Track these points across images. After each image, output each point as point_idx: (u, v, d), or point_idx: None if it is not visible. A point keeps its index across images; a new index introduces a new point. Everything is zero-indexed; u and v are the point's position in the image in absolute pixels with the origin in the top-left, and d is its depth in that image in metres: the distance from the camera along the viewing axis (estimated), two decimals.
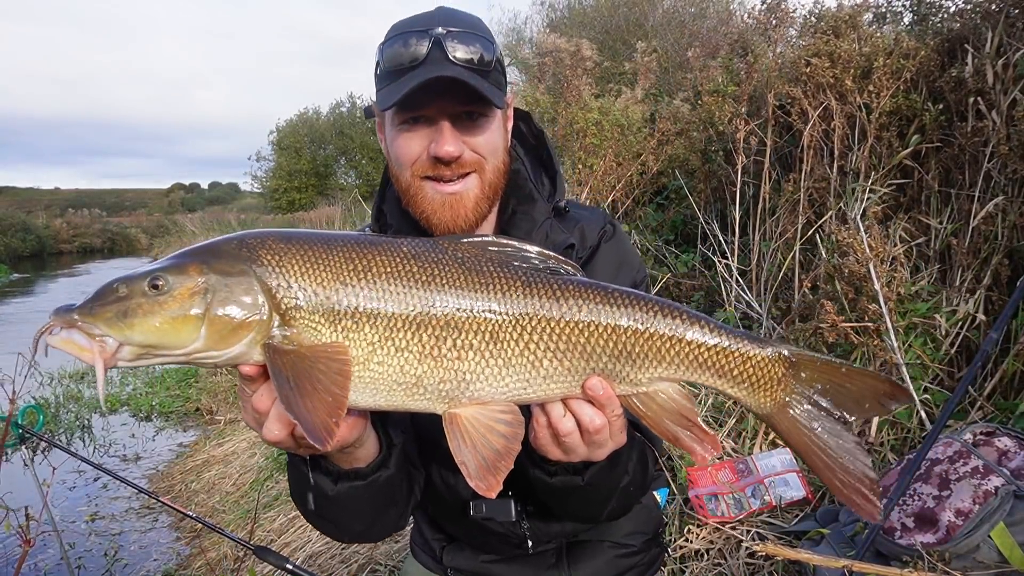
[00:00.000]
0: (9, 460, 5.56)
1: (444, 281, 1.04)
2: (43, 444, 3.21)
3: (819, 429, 1.12)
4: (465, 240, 1.12)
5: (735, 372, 1.11)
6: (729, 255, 4.39)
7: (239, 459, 5.33)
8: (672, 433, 1.11)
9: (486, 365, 1.04)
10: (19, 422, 2.89)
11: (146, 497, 3.47)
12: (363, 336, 1.01)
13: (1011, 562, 2.02)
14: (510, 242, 1.12)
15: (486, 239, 1.13)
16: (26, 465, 3.19)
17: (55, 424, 6.68)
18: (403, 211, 1.45)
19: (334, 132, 32.54)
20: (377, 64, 1.37)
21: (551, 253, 1.13)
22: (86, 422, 6.92)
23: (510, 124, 1.50)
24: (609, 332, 1.07)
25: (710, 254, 4.58)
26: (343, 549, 3.48)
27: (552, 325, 1.06)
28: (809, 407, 1.12)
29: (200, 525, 2.99)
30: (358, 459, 1.25)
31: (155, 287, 0.97)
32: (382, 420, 1.31)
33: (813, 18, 4.50)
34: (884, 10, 4.64)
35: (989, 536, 2.06)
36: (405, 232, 1.46)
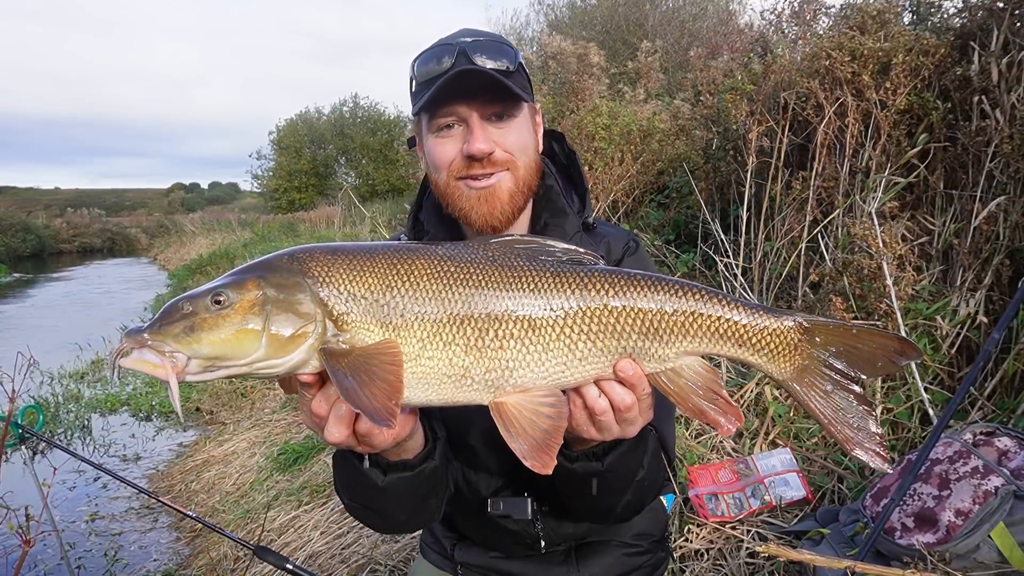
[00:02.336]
0: (9, 460, 5.56)
1: (481, 277, 1.13)
2: (43, 444, 3.21)
3: (832, 390, 1.18)
4: (494, 240, 1.20)
5: (755, 341, 1.17)
6: (732, 254, 4.38)
7: (239, 459, 5.33)
8: (698, 407, 1.17)
9: (527, 352, 1.12)
10: (19, 422, 2.89)
11: (146, 497, 3.48)
12: (413, 334, 1.09)
13: (1011, 562, 2.02)
14: (535, 239, 1.20)
15: (513, 237, 1.21)
16: (26, 465, 3.19)
17: (55, 424, 6.67)
18: (441, 218, 1.56)
19: (334, 132, 32.51)
20: (411, 80, 1.49)
21: (573, 247, 1.20)
22: (86, 422, 6.91)
23: (540, 131, 1.59)
24: (637, 311, 1.14)
25: (711, 253, 4.58)
26: (343, 549, 3.47)
27: (584, 309, 1.13)
28: (824, 370, 1.18)
29: (200, 525, 2.99)
30: (407, 451, 1.31)
31: (217, 302, 1.04)
32: (427, 414, 1.38)
33: (845, 11, 4.47)
34: (887, 9, 4.63)
35: (989, 536, 2.06)
36: (442, 238, 1.57)
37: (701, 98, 5.53)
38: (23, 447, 3.24)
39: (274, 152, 33.13)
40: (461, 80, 1.36)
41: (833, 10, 4.63)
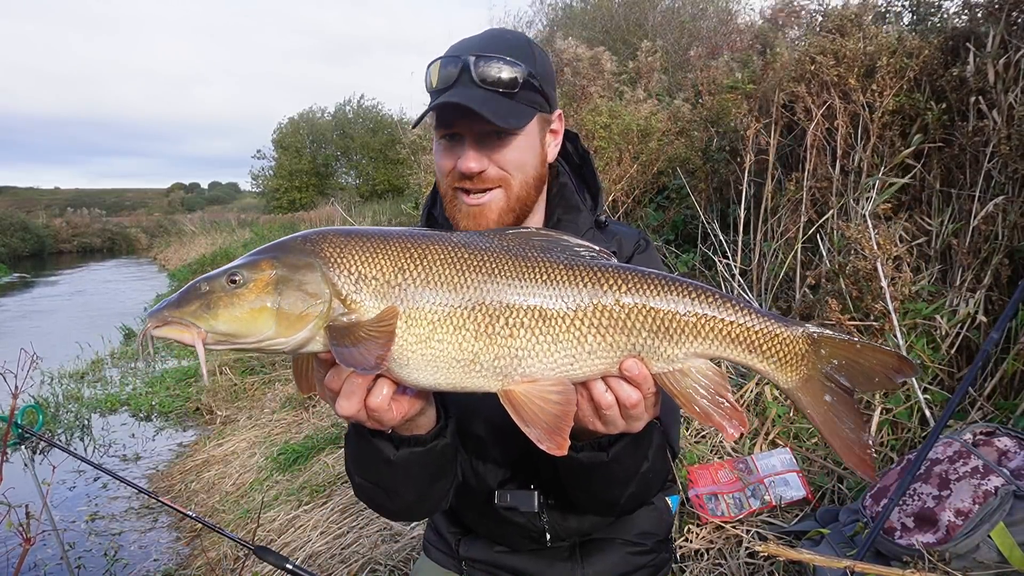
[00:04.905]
0: (9, 460, 5.55)
1: (494, 265, 1.14)
2: (43, 444, 3.21)
3: (832, 401, 1.19)
4: (510, 231, 1.22)
5: (765, 348, 1.18)
6: (730, 255, 4.38)
7: (239, 459, 5.33)
8: (704, 410, 1.17)
9: (536, 341, 1.13)
10: (18, 422, 2.88)
11: (146, 497, 3.48)
12: (424, 316, 1.10)
13: (1011, 562, 2.02)
14: (550, 232, 1.22)
15: (529, 230, 1.23)
16: (26, 465, 3.19)
17: (55, 424, 6.67)
18: None
19: (335, 132, 32.49)
20: (426, 84, 1.53)
21: (587, 243, 1.22)
22: (86, 422, 6.90)
23: (558, 137, 1.61)
24: (648, 309, 1.15)
25: (710, 253, 4.58)
26: (343, 549, 3.48)
27: (595, 303, 1.14)
28: (826, 381, 1.19)
29: (200, 525, 2.99)
30: (419, 427, 1.33)
31: (233, 281, 1.08)
32: (439, 395, 1.38)
33: (820, 16, 4.50)
34: (884, 10, 4.64)
35: (989, 536, 2.06)
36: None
37: (701, 99, 5.53)
38: (23, 447, 3.23)
39: (275, 151, 33.13)
40: (457, 104, 1.39)
41: (807, 16, 4.66)
